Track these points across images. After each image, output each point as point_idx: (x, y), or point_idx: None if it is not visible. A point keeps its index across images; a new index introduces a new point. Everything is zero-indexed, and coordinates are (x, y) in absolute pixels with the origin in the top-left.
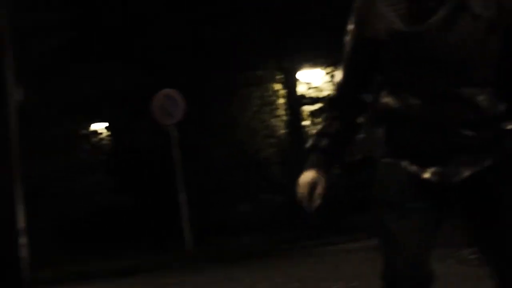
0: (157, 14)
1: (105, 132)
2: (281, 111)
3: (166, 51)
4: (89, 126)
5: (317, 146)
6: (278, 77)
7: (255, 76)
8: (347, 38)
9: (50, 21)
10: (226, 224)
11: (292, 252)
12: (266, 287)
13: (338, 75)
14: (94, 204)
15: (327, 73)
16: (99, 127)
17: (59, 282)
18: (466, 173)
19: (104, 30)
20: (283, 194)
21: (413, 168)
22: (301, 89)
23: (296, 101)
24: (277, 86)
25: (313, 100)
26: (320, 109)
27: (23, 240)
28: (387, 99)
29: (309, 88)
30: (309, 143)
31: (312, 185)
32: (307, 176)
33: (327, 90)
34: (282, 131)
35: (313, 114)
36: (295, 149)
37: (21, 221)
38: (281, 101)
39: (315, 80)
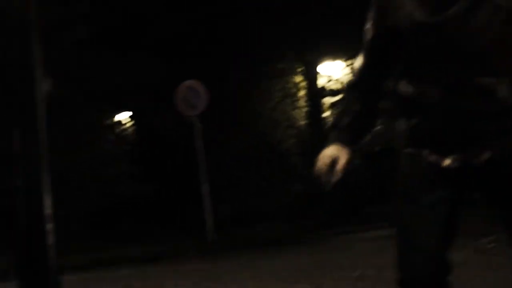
0: (181, 7)
1: (129, 123)
2: (302, 103)
3: (190, 43)
4: (114, 116)
5: (339, 124)
6: (299, 69)
7: (276, 69)
8: (368, 26)
9: (77, 13)
10: (247, 213)
11: (312, 240)
12: (286, 274)
13: (358, 61)
14: (119, 193)
15: (347, 66)
16: (124, 117)
17: (84, 268)
18: (486, 155)
19: (130, 22)
20: (304, 183)
21: (433, 157)
22: (321, 81)
23: (316, 93)
24: (298, 78)
25: (333, 92)
26: (340, 100)
27: (50, 226)
28: (407, 88)
29: (330, 80)
30: (331, 122)
31: (333, 159)
32: (329, 150)
33: (346, 84)
34: (303, 123)
35: (333, 105)
36: (315, 140)
37: (48, 208)
38: (302, 93)
39: (335, 72)
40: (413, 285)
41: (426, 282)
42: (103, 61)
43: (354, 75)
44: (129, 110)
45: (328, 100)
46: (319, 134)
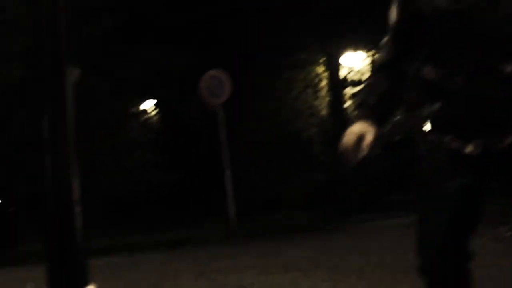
0: None
1: (154, 112)
2: (324, 93)
3: (215, 33)
4: (139, 105)
5: (365, 102)
6: (321, 60)
7: (299, 59)
8: (392, 11)
9: (103, 3)
10: (269, 200)
11: (332, 228)
12: (307, 260)
13: (383, 45)
14: (143, 181)
15: (369, 56)
16: (149, 106)
17: (110, 253)
18: (508, 141)
19: (155, 12)
20: (325, 172)
21: (455, 143)
22: (343, 71)
23: (338, 83)
24: (320, 69)
25: (354, 83)
26: (366, 80)
27: (77, 211)
28: (430, 73)
29: (351, 71)
30: (357, 100)
31: (359, 136)
32: (355, 127)
33: (369, 73)
34: (325, 112)
35: (354, 96)
36: (336, 130)
37: (76, 193)
38: (324, 83)
39: (357, 63)
40: (433, 272)
41: (446, 269)
42: (129, 51)
43: (380, 57)
44: (154, 99)
45: (349, 91)
46: (341, 124)
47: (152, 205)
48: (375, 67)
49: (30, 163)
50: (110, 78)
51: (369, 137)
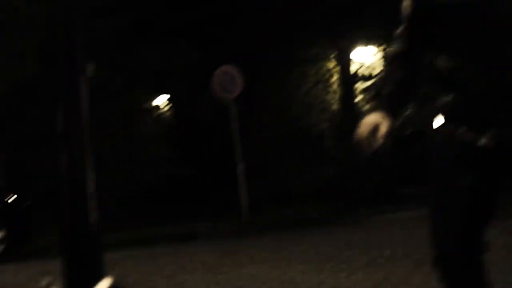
0: None
1: (167, 107)
2: (335, 88)
3: (227, 28)
4: (152, 101)
5: (380, 93)
6: (332, 54)
7: (310, 54)
8: (406, 1)
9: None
10: (281, 194)
11: (343, 222)
12: (319, 254)
13: (397, 36)
14: (157, 175)
15: (380, 51)
16: (162, 101)
17: (123, 246)
18: None
19: (168, 8)
20: (336, 166)
21: (469, 136)
22: (354, 66)
23: (349, 78)
24: (332, 64)
25: (365, 77)
26: (382, 70)
27: (93, 204)
28: (444, 64)
29: (362, 66)
30: (372, 91)
31: (374, 127)
32: (370, 117)
33: (380, 67)
34: (336, 107)
35: (365, 90)
36: (347, 124)
37: (91, 187)
38: (335, 78)
39: (368, 58)
40: (447, 264)
41: (460, 261)
42: (142, 47)
43: (394, 48)
44: (167, 95)
45: (360, 85)
46: (352, 119)
47: (165, 199)
48: (389, 58)
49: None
50: (123, 74)
51: (383, 128)
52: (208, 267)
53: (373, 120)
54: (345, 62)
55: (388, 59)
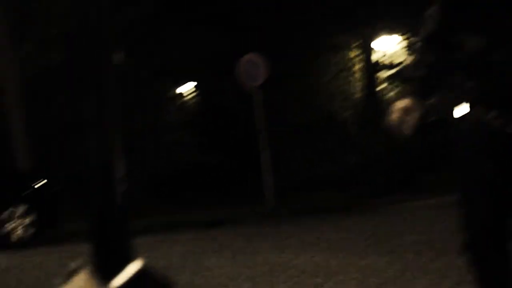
0: None
1: (192, 94)
2: (358, 76)
3: (252, 16)
4: (178, 88)
5: (413, 76)
6: (356, 43)
7: (334, 42)
8: None
9: None
10: (305, 181)
11: (366, 208)
12: (341, 241)
13: (428, 17)
14: (182, 162)
15: (403, 40)
16: (187, 89)
17: (150, 232)
18: None
19: None
20: (358, 153)
21: (498, 121)
22: (377, 55)
23: (372, 66)
24: (355, 52)
25: (389, 66)
26: (395, 73)
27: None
28: (475, 46)
29: (386, 54)
30: (405, 73)
31: (406, 111)
32: (401, 102)
33: (403, 56)
34: (359, 95)
35: (388, 79)
36: (370, 112)
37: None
38: (359, 66)
39: (391, 46)
40: (475, 249)
41: (488, 246)
42: (168, 35)
43: (425, 30)
44: (192, 82)
45: (383, 74)
46: (374, 107)
47: (191, 186)
48: (421, 40)
49: (73, 144)
50: (149, 61)
51: (414, 114)
52: (234, 253)
53: (404, 105)
54: (368, 50)
55: (419, 42)
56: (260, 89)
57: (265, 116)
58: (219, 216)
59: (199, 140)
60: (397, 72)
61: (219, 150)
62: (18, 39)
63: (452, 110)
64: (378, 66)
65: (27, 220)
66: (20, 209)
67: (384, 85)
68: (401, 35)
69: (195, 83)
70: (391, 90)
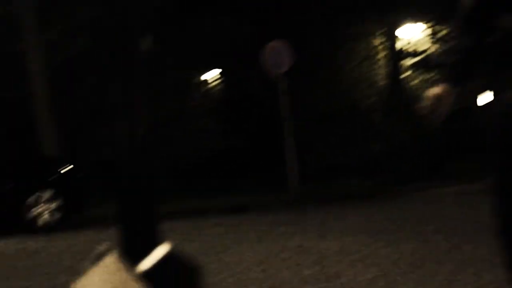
0: None
1: (217, 81)
2: (383, 64)
3: (277, 4)
4: (204, 75)
5: (447, 62)
6: (380, 31)
7: (359, 30)
8: None
9: None
10: (329, 168)
11: (392, 195)
12: (366, 227)
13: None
14: (207, 148)
15: (428, 28)
16: (212, 76)
17: (174, 218)
18: None
19: None
20: (383, 141)
21: None
22: (402, 43)
23: (396, 54)
24: (380, 40)
25: (413, 54)
26: (420, 61)
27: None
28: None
29: (410, 42)
30: (438, 59)
31: (438, 98)
32: (435, 89)
33: (427, 44)
34: (383, 83)
35: (413, 66)
36: (394, 100)
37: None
38: (383, 54)
39: (415, 34)
40: (509, 235)
41: None
42: (194, 22)
43: (464, 7)
44: (217, 69)
45: (407, 62)
46: (399, 94)
47: (216, 172)
48: (458, 20)
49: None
50: (175, 48)
51: (447, 100)
52: (258, 238)
53: (437, 92)
54: (393, 38)
55: (455, 22)
56: (285, 76)
57: (289, 104)
58: (244, 203)
59: (224, 127)
60: (421, 60)
61: (243, 137)
62: (45, 25)
63: (477, 98)
64: (402, 54)
65: (53, 205)
66: (47, 194)
67: (408, 72)
68: (426, 23)
69: (220, 70)
70: (415, 78)
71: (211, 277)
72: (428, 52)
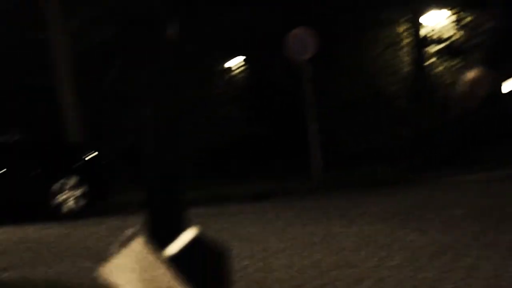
0: None
1: (241, 68)
2: (407, 51)
3: None
4: (228, 62)
5: (483, 44)
6: (405, 18)
7: (383, 17)
8: None
9: None
10: (352, 155)
11: (416, 182)
12: (391, 213)
13: None
14: (231, 135)
15: (452, 14)
16: (236, 63)
17: (198, 204)
18: None
19: None
20: (407, 127)
21: None
22: (426, 29)
23: (421, 41)
24: (404, 26)
25: (437, 41)
26: (444, 48)
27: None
28: None
29: (434, 29)
30: (474, 41)
31: (475, 82)
32: (471, 72)
33: (452, 31)
34: (407, 70)
35: (437, 53)
36: (419, 86)
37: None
38: (407, 41)
39: (440, 21)
40: None
41: None
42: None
43: None
44: (241, 56)
45: (432, 49)
46: (423, 81)
47: (239, 159)
48: (497, 1)
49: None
50: (199, 35)
51: (483, 85)
52: (282, 225)
53: (474, 76)
54: (417, 25)
55: (495, 5)
56: (309, 63)
57: (313, 91)
58: (268, 190)
59: (248, 114)
60: (445, 46)
61: (267, 125)
62: (69, 12)
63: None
64: (427, 41)
65: (78, 192)
66: (71, 181)
67: (433, 59)
68: (450, 9)
69: (244, 57)
70: (440, 65)
71: (235, 264)
72: (453, 39)
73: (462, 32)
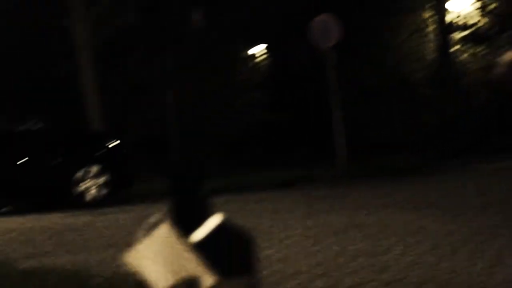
0: None
1: (264, 55)
2: (432, 37)
3: None
4: (251, 49)
5: None
6: (430, 4)
7: (408, 3)
8: None
9: None
10: (376, 143)
11: (441, 170)
12: (415, 202)
13: None
14: (253, 122)
15: (478, 1)
16: (259, 50)
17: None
18: None
19: None
20: (432, 115)
21: None
22: (451, 16)
23: (446, 27)
24: (429, 13)
25: (462, 27)
26: (470, 34)
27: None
28: None
29: (459, 15)
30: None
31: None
32: (510, 54)
33: (477, 17)
34: (432, 56)
35: (462, 40)
36: (444, 73)
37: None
38: (432, 27)
39: (465, 7)
40: None
41: None
42: None
43: None
44: (264, 43)
45: (457, 35)
46: (448, 68)
47: (263, 146)
48: None
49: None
50: (222, 22)
51: None
52: (306, 212)
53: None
54: (442, 11)
55: None
56: (333, 50)
57: (337, 78)
58: (291, 177)
59: (271, 101)
60: (471, 33)
61: (290, 112)
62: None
63: None
64: (452, 28)
65: (100, 180)
66: (94, 169)
67: (458, 46)
68: None
69: (267, 44)
70: (465, 51)
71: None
72: (478, 25)
73: (487, 19)
